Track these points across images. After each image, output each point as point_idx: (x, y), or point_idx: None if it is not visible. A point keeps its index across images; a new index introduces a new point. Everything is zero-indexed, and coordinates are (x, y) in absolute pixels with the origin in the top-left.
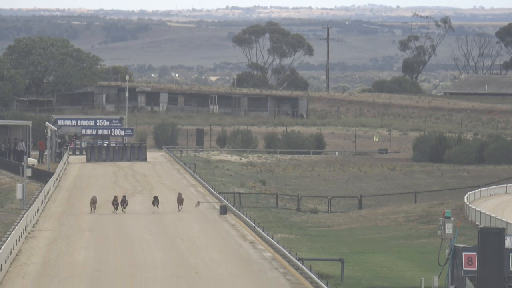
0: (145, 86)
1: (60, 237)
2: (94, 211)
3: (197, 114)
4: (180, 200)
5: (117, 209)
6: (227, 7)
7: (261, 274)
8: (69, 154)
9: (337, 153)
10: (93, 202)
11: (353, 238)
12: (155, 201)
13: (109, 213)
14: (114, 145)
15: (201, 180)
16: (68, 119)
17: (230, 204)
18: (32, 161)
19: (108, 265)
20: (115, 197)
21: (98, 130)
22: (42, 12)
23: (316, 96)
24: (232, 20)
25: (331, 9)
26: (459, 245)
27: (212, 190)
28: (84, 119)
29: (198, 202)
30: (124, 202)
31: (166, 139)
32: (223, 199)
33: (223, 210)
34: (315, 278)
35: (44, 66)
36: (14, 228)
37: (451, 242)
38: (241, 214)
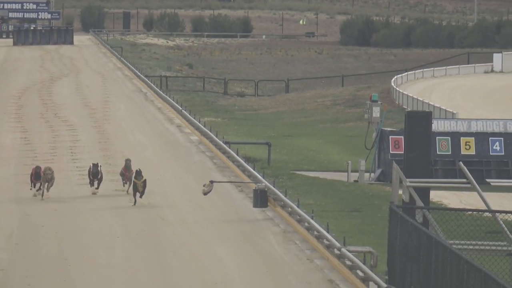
0: None
1: None
2: (42, 191)
3: None
4: (95, 175)
5: (41, 189)
6: None
7: (188, 157)
8: None
9: (264, 36)
10: (47, 179)
11: (280, 121)
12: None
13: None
14: (41, 28)
15: (127, 63)
16: None
17: (157, 88)
18: None
19: (35, 147)
20: (38, 168)
21: (25, 14)
22: None
23: None
24: None
25: None
26: (386, 128)
27: (139, 74)
28: (10, 2)
29: (211, 182)
30: (97, 175)
31: (93, 23)
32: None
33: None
34: (242, 162)
35: None
36: None
37: (378, 126)
38: (167, 97)
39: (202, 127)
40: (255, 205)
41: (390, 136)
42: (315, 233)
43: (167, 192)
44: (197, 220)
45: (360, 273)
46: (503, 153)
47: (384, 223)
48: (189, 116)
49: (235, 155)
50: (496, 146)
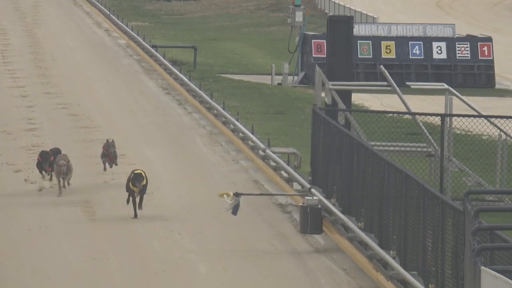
0: None
1: None
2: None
3: None
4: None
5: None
6: None
7: (116, 61)
8: None
9: None
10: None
11: (206, 26)
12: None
13: None
14: None
15: None
16: None
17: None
18: None
19: None
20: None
21: None
22: None
23: None
24: None
25: None
26: (308, 33)
27: None
28: None
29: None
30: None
31: None
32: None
33: None
34: (169, 65)
35: None
36: None
37: (301, 30)
38: (95, 2)
39: (130, 31)
40: (304, 231)
41: (312, 40)
42: (240, 135)
43: (95, 94)
44: (126, 122)
45: (284, 174)
46: (422, 57)
47: (307, 125)
48: (117, 20)
49: (162, 58)
50: (416, 50)
